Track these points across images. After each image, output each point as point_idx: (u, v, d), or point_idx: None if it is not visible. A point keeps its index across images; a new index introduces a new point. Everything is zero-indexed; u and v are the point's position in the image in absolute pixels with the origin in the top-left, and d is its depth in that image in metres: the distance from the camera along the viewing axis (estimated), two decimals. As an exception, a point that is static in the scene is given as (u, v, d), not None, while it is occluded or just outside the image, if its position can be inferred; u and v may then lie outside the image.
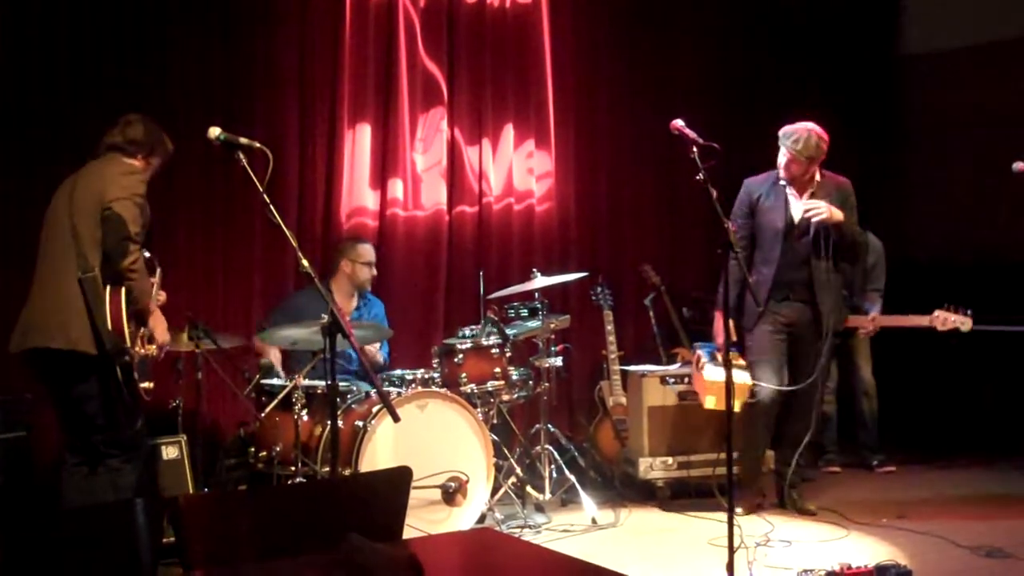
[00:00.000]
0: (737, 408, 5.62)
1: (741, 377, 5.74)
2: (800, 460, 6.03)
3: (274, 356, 6.08)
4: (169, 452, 5.53)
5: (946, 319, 6.23)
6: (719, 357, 5.79)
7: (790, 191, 5.94)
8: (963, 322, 6.20)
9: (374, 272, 6.50)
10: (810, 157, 5.83)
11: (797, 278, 5.92)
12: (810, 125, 5.86)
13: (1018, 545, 5.24)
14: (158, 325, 4.79)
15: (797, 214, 5.90)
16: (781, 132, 5.90)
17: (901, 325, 6.58)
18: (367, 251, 6.48)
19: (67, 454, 4.70)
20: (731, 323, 5.62)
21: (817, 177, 5.94)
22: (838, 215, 5.79)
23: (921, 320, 6.36)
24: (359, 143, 7.09)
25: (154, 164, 4.87)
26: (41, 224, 4.77)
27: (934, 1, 8.37)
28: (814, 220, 5.77)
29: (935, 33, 8.25)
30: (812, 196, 5.88)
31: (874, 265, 7.05)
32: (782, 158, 5.88)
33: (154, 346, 4.74)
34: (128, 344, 4.51)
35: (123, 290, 4.54)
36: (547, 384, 6.38)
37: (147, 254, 4.71)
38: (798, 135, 5.82)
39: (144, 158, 4.82)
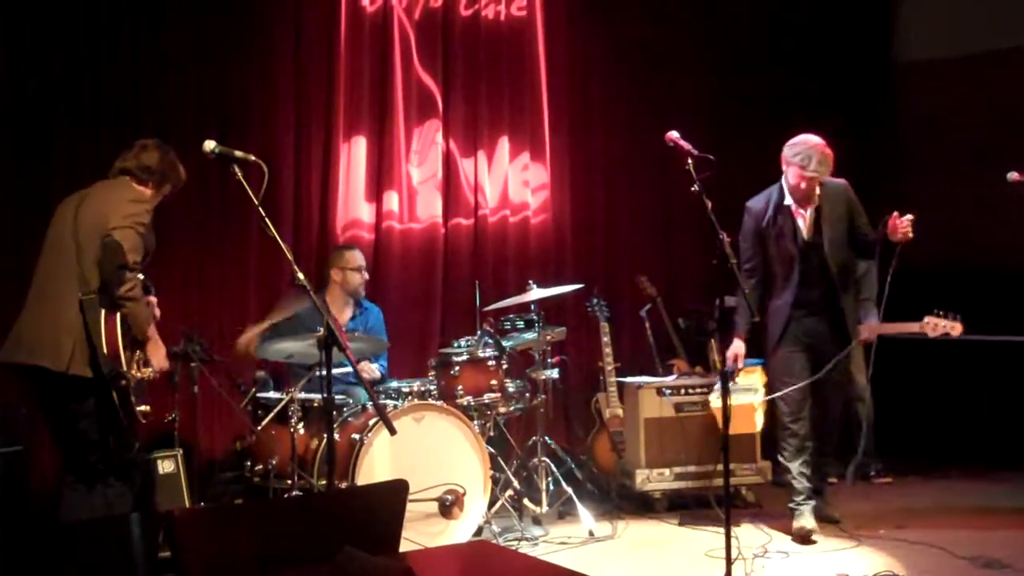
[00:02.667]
0: (757, 428, 5.98)
1: (746, 398, 5.87)
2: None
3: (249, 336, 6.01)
4: (165, 466, 5.52)
5: (936, 325, 6.26)
6: (736, 381, 5.96)
7: (796, 209, 5.81)
8: (952, 327, 6.22)
9: (365, 276, 6.48)
10: (823, 175, 5.71)
11: (816, 295, 5.81)
12: (815, 140, 5.71)
13: (1016, 556, 5.23)
14: (156, 352, 4.75)
15: (806, 232, 5.80)
16: (788, 151, 5.72)
17: (893, 332, 6.63)
18: (355, 256, 6.46)
19: (66, 471, 4.68)
20: (741, 346, 5.86)
21: (817, 189, 5.79)
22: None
23: (912, 326, 6.41)
24: (354, 156, 7.09)
25: (164, 192, 4.84)
26: (40, 235, 4.73)
27: (929, 10, 8.39)
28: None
29: (931, 41, 8.27)
30: (818, 210, 5.77)
31: (865, 274, 7.06)
32: (793, 178, 5.71)
33: (150, 369, 4.70)
34: (124, 368, 4.49)
35: (119, 315, 4.51)
36: (544, 396, 6.38)
37: (140, 276, 4.63)
38: (810, 153, 5.64)
39: (155, 186, 4.78)
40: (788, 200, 5.80)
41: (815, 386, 5.77)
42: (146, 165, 4.75)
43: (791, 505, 5.80)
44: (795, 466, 5.79)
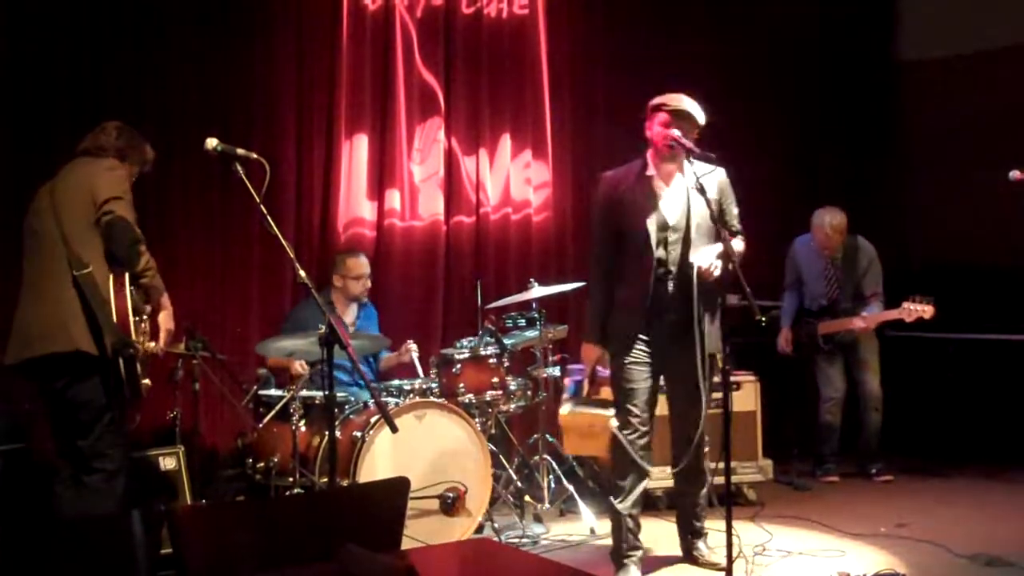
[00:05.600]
0: (602, 452, 5.03)
1: (600, 411, 4.99)
2: (705, 501, 5.21)
3: (301, 367, 6.01)
4: (167, 463, 5.52)
5: (911, 310, 6.58)
6: (585, 389, 5.21)
7: (659, 182, 4.88)
8: (924, 310, 6.54)
9: (367, 284, 6.45)
10: (698, 121, 4.83)
11: (670, 293, 4.85)
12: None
13: (1018, 553, 5.23)
14: (168, 320, 4.78)
15: (671, 214, 4.84)
16: (654, 102, 4.89)
17: (879, 322, 6.91)
18: (356, 265, 6.40)
19: (59, 464, 4.68)
20: (599, 350, 5.03)
21: (689, 164, 4.77)
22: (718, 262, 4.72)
23: (891, 314, 6.74)
24: (356, 153, 7.10)
25: (128, 169, 4.80)
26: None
27: (930, 10, 8.40)
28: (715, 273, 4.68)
29: (931, 41, 8.27)
30: (686, 189, 4.84)
31: (867, 269, 7.07)
32: (659, 128, 4.83)
33: (154, 343, 4.73)
34: (133, 337, 4.51)
35: (126, 283, 4.54)
36: (545, 394, 6.38)
37: None
38: (679, 98, 4.83)
39: (114, 160, 4.75)
40: (651, 170, 4.89)
41: (672, 411, 5.11)
42: (101, 144, 4.75)
43: (621, 558, 4.99)
44: (626, 506, 4.96)
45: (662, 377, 5.02)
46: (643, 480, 4.97)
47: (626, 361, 4.93)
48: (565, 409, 5.22)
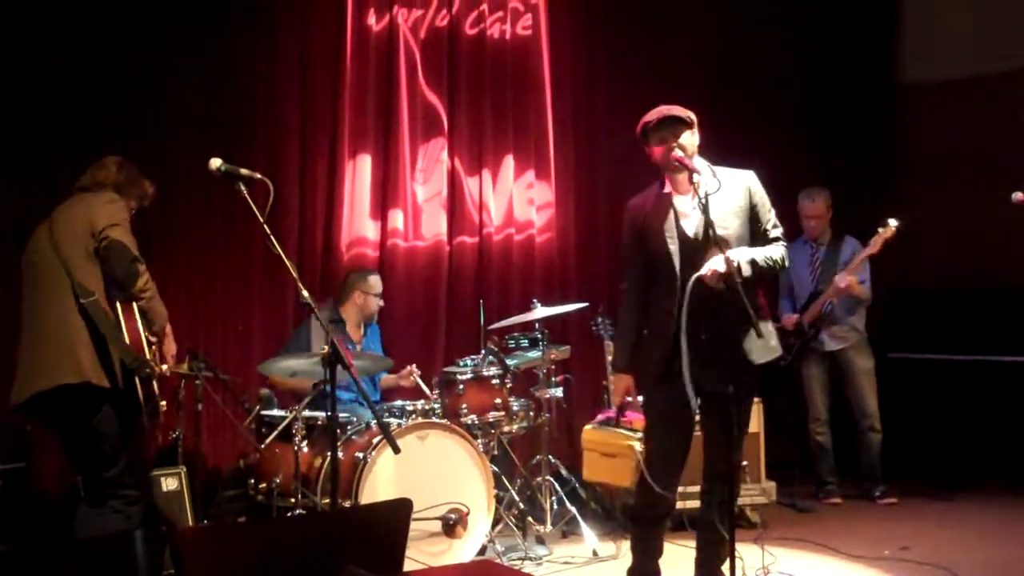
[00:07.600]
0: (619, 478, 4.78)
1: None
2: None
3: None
4: (169, 483, 5.51)
5: (875, 243, 6.66)
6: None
7: (677, 198, 4.64)
8: (886, 231, 6.63)
9: (382, 303, 6.51)
10: (691, 121, 4.66)
11: (709, 313, 4.42)
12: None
13: (1021, 577, 5.22)
14: (170, 347, 4.81)
15: (691, 226, 4.55)
16: (645, 121, 4.74)
17: (858, 266, 6.87)
18: (378, 283, 6.51)
19: (82, 490, 4.67)
20: (627, 378, 4.75)
21: (705, 172, 4.53)
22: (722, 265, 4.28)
23: (861, 258, 6.80)
24: (359, 174, 7.11)
25: (125, 201, 4.77)
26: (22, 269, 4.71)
27: (931, 33, 8.42)
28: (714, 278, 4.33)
29: (933, 63, 8.29)
30: (709, 199, 4.39)
31: (850, 259, 6.99)
32: (659, 147, 4.66)
33: (164, 365, 4.73)
34: (148, 357, 4.51)
35: (135, 309, 4.53)
36: (548, 415, 6.37)
37: None
38: (660, 111, 4.70)
39: (113, 194, 4.73)
40: (668, 187, 4.69)
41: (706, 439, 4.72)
42: (99, 180, 4.74)
43: None
44: (647, 530, 4.83)
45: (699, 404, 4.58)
46: (664, 509, 4.76)
47: (652, 406, 4.68)
48: (590, 426, 5.13)
